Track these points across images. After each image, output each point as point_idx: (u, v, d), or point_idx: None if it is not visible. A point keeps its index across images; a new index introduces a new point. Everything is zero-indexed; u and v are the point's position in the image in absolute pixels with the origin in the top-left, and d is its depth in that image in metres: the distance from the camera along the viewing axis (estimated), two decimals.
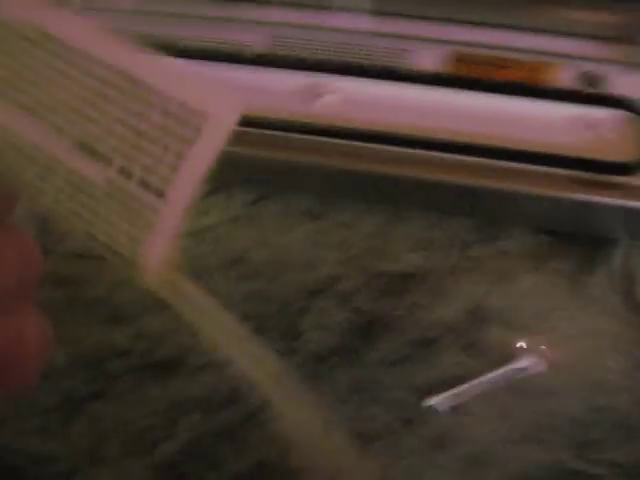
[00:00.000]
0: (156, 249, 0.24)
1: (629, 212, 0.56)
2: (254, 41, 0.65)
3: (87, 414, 0.55)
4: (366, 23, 0.65)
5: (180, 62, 0.26)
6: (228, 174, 0.63)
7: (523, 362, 0.57)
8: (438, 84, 0.61)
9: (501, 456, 0.53)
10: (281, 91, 0.62)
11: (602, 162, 0.57)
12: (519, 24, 0.64)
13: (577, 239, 0.62)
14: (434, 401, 0.55)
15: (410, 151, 0.58)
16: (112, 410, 0.56)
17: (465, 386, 0.56)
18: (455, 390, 0.56)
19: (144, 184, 0.24)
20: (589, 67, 0.62)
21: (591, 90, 0.61)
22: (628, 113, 0.59)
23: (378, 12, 0.65)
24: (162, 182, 0.23)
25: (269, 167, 0.63)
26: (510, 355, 0.57)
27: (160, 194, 0.23)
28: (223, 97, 0.23)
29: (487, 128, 0.59)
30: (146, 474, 0.53)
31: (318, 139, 0.59)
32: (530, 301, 0.60)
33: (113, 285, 0.63)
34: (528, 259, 0.61)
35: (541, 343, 0.58)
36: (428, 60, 0.63)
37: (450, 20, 0.64)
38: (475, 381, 0.56)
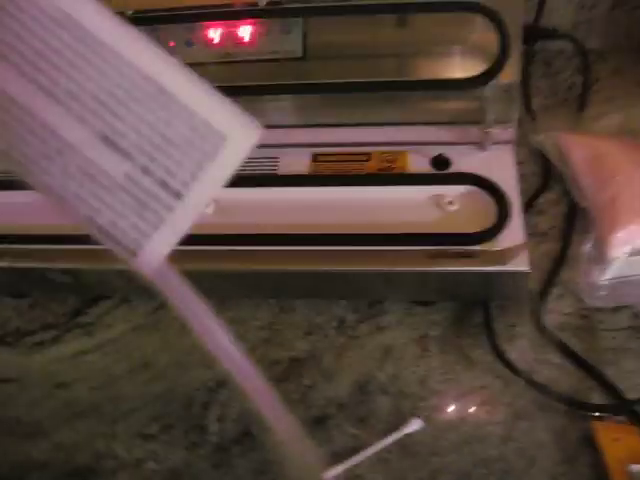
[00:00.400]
0: (162, 244, 0.26)
1: (487, 276, 0.62)
2: None
3: None
4: None
5: None
6: (129, 286, 0.69)
7: (411, 426, 0.61)
8: (304, 184, 0.68)
9: None
10: None
11: (459, 235, 0.63)
12: (374, 120, 0.71)
13: (446, 306, 0.68)
14: (331, 474, 0.59)
15: (288, 248, 0.64)
16: None
17: (358, 457, 0.60)
18: (349, 461, 0.60)
19: (163, 184, 0.24)
20: (437, 151, 0.68)
21: (442, 171, 0.68)
22: (476, 188, 0.66)
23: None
24: (181, 185, 0.24)
25: None
26: (399, 422, 0.62)
27: (177, 195, 0.25)
28: (243, 122, 0.25)
29: (356, 218, 0.65)
30: None
31: (205, 248, 0.64)
32: (414, 369, 0.65)
33: (31, 403, 0.67)
34: (407, 330, 0.67)
35: (428, 407, 0.63)
36: (295, 163, 0.69)
37: (312, 125, 0.71)
38: (367, 451, 0.60)
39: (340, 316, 0.69)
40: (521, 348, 0.65)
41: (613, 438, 0.59)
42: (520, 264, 0.61)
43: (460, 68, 0.67)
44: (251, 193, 0.67)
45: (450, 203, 0.65)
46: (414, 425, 0.62)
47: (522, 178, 0.66)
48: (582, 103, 0.81)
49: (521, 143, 0.75)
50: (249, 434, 0.63)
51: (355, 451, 0.60)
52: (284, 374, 0.66)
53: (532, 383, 0.62)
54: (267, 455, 0.61)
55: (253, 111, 0.28)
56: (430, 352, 0.66)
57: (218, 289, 0.68)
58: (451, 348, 0.66)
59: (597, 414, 0.61)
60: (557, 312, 0.67)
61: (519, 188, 0.65)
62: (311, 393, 0.64)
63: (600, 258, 0.67)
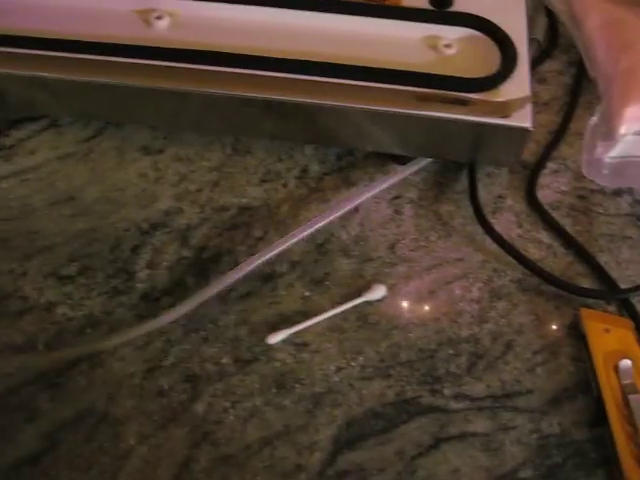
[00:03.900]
0: None
1: (482, 128, 0.53)
2: None
3: None
4: None
5: None
6: (61, 107, 0.58)
7: (373, 295, 0.53)
8: (279, 5, 0.57)
9: (348, 395, 0.49)
10: (116, 15, 0.57)
11: (457, 79, 0.53)
12: None
13: (429, 167, 0.59)
14: (275, 339, 0.51)
15: (250, 71, 0.54)
16: None
17: (309, 322, 0.51)
18: (298, 326, 0.51)
19: None
20: None
21: (441, 9, 0.58)
22: (479, 33, 0.56)
23: None
24: None
25: (105, 96, 0.57)
26: (359, 288, 0.53)
27: None
28: None
29: (335, 48, 0.55)
30: None
31: (156, 63, 0.54)
32: (382, 232, 0.56)
33: None
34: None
35: (395, 274, 0.54)
36: None
37: None
38: (320, 316, 0.52)
39: (303, 165, 0.59)
40: (507, 222, 0.57)
41: (602, 329, 0.51)
42: (523, 119, 0.52)
43: None
44: (217, 9, 0.56)
45: (447, 46, 0.56)
46: (376, 292, 0.53)
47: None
48: None
49: (533, 6, 0.65)
50: (182, 284, 0.53)
51: (305, 316, 0.51)
52: (232, 222, 0.56)
53: (518, 258, 0.54)
54: (200, 309, 0.52)
55: None
56: (403, 215, 0.57)
57: (167, 115, 0.57)
58: (428, 213, 0.57)
59: (585, 302, 0.53)
60: (551, 188, 0.59)
61: (527, 39, 0.55)
62: (261, 246, 0.55)
63: (607, 133, 0.58)
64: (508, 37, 0.55)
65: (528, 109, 0.52)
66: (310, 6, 0.57)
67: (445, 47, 0.56)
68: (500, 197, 0.58)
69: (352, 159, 0.59)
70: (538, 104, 0.63)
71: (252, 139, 0.60)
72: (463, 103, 0.52)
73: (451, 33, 0.56)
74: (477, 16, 0.56)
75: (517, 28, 0.56)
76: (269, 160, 0.59)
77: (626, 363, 0.49)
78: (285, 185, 0.58)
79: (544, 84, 0.65)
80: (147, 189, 0.58)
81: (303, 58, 0.54)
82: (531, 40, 0.59)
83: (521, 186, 0.59)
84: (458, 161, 0.58)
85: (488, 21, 0.56)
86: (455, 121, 0.52)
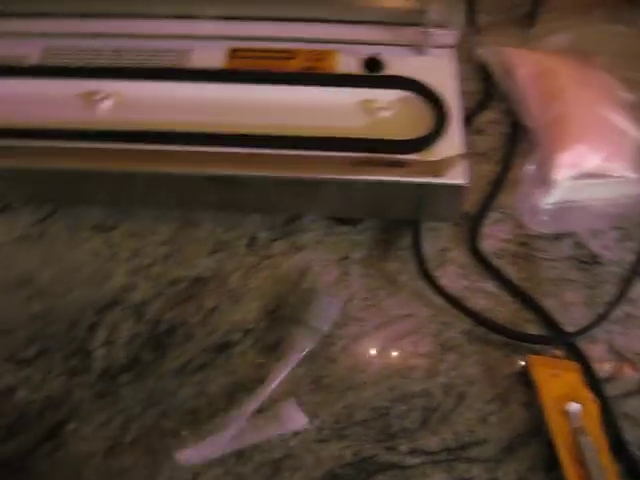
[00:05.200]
0: None
1: (419, 188, 0.54)
2: (27, 53, 0.61)
3: None
4: (144, 27, 0.62)
5: None
6: (13, 191, 0.60)
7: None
8: (217, 80, 0.59)
9: (306, 459, 0.50)
10: (60, 100, 0.59)
11: (391, 142, 0.55)
12: (301, 15, 0.62)
13: (371, 226, 0.60)
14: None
15: (195, 148, 0.55)
16: None
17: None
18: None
19: None
20: (371, 51, 0.60)
21: (374, 73, 0.60)
22: (412, 94, 0.58)
23: (156, 15, 0.62)
24: None
25: (55, 180, 0.58)
26: (313, 352, 0.54)
27: None
28: None
29: (275, 119, 0.57)
30: None
31: (101, 146, 0.55)
32: (334, 294, 0.57)
33: None
34: (326, 251, 0.59)
35: (346, 336, 0.55)
36: (209, 58, 0.60)
37: (229, 17, 0.62)
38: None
39: (252, 233, 0.61)
40: (453, 274, 0.58)
41: (550, 374, 0.53)
42: (457, 177, 0.54)
43: None
44: (157, 88, 0.58)
45: (381, 109, 0.57)
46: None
47: (464, 95, 0.58)
48: (531, 20, 0.74)
49: (465, 59, 0.68)
50: (139, 360, 0.54)
51: (260, 382, 0.52)
52: (184, 295, 0.57)
53: (465, 311, 0.55)
54: (158, 384, 0.53)
55: None
56: (351, 276, 0.58)
57: (116, 193, 0.59)
58: (375, 272, 0.58)
59: (532, 348, 0.54)
60: (494, 237, 0.60)
61: (460, 95, 0.57)
62: (214, 316, 0.56)
63: (544, 180, 0.60)
64: (438, 97, 0.57)
65: (462, 166, 0.54)
66: (248, 79, 0.58)
67: (379, 110, 0.57)
68: (444, 250, 0.59)
69: (300, 223, 0.61)
70: (476, 155, 0.64)
71: (200, 211, 0.61)
72: (398, 165, 0.54)
73: (385, 96, 0.58)
74: (408, 78, 0.58)
75: (448, 87, 0.58)
76: (218, 230, 0.61)
77: (575, 407, 0.51)
78: (235, 254, 0.59)
79: (482, 135, 0.66)
80: (101, 267, 0.59)
81: (244, 131, 0.55)
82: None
83: (465, 237, 0.60)
84: (402, 219, 0.60)
85: (419, 82, 0.58)
86: (392, 183, 0.54)
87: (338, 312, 0.55)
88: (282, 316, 0.56)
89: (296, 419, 0.51)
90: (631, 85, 0.66)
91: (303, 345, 0.53)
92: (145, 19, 0.62)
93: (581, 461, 0.49)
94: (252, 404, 0.51)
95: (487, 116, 0.68)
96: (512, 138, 0.66)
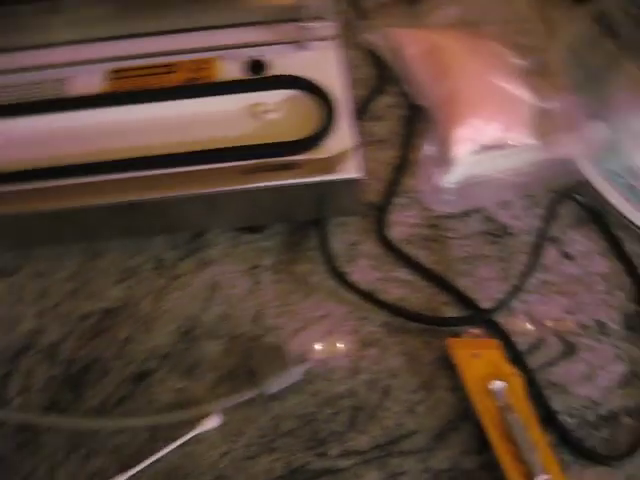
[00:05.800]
0: None
1: (315, 187, 0.54)
2: None
3: None
4: (18, 60, 0.60)
5: None
6: None
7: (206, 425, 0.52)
8: (96, 105, 0.57)
9: (237, 477, 0.49)
10: None
11: (279, 144, 0.54)
12: (177, 26, 0.61)
13: (280, 230, 0.60)
14: None
15: (85, 179, 0.54)
16: None
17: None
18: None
19: None
20: (253, 54, 0.59)
21: (257, 76, 0.58)
22: (298, 92, 0.57)
23: (31, 46, 0.60)
24: None
25: None
26: (232, 368, 0.53)
27: None
28: None
29: (161, 138, 0.55)
30: None
31: None
32: (245, 306, 0.56)
33: None
34: (234, 263, 0.58)
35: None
36: (88, 83, 0.59)
37: (107, 38, 0.60)
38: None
39: (157, 255, 0.59)
40: (365, 267, 0.58)
41: (471, 355, 0.52)
42: (351, 170, 0.53)
43: None
44: (35, 122, 0.56)
45: (269, 111, 0.56)
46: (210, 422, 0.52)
47: (358, 82, 0.57)
48: None
49: (354, 46, 0.67)
50: (57, 403, 0.53)
51: (182, 407, 0.51)
52: (96, 329, 0.56)
53: (378, 304, 0.54)
54: (80, 426, 0.52)
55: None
56: (263, 284, 0.57)
57: (14, 236, 0.57)
58: (286, 277, 0.58)
59: (452, 330, 0.54)
60: (402, 224, 0.60)
61: (347, 88, 0.57)
62: (129, 347, 0.55)
63: (444, 159, 0.60)
64: (324, 91, 0.56)
65: (354, 159, 0.53)
66: (127, 100, 0.57)
67: (267, 113, 0.56)
68: (354, 244, 0.59)
69: (205, 238, 0.60)
70: (378, 142, 0.64)
71: (102, 241, 0.60)
72: (289, 167, 0.53)
73: (271, 98, 0.57)
74: (290, 76, 0.57)
75: (334, 80, 0.57)
76: (122, 258, 0.59)
77: (498, 385, 0.50)
78: (143, 279, 0.58)
79: (381, 120, 0.66)
80: (7, 313, 0.57)
81: (131, 155, 0.54)
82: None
83: (373, 228, 0.59)
84: (309, 219, 0.59)
85: (302, 79, 0.57)
86: (287, 186, 0.53)
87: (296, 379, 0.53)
88: (198, 336, 0.55)
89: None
90: (523, 51, 0.66)
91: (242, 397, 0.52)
92: (19, 51, 0.60)
93: (511, 439, 0.48)
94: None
95: (384, 101, 0.67)
96: (410, 120, 0.65)
